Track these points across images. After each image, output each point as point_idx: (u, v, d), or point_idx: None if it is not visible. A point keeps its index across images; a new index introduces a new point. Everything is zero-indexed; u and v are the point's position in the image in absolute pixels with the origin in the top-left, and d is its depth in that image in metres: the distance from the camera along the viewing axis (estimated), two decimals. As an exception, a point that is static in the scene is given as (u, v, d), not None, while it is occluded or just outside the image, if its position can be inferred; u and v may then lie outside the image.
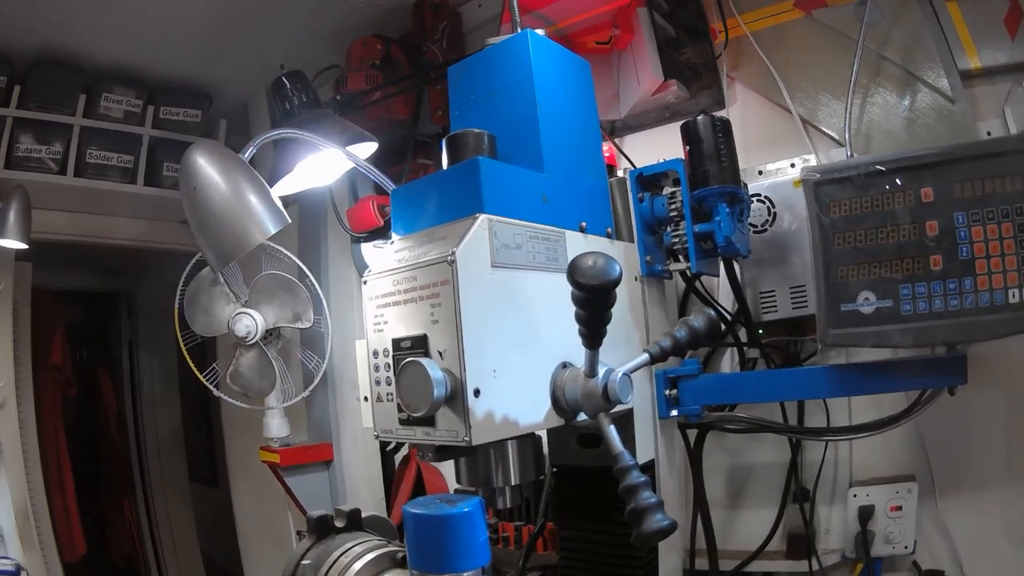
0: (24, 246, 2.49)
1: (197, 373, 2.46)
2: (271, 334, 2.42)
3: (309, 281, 2.40)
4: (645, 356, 1.08)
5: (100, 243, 3.12)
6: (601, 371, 1.03)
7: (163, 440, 4.91)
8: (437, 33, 2.26)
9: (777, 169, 1.79)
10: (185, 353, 2.46)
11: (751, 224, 1.67)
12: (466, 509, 0.92)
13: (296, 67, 1.96)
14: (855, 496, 1.69)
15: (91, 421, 4.85)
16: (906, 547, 1.66)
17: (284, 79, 1.86)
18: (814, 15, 1.78)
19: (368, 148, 1.80)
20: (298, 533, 2.54)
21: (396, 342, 1.03)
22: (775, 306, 1.72)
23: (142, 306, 5.02)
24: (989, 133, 1.61)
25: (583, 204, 1.26)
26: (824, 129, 1.78)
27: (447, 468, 2.41)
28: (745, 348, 1.71)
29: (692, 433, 1.68)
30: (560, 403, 1.07)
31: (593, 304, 0.90)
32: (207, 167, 1.28)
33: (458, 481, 1.13)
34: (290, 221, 1.30)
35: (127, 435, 4.89)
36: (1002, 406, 1.59)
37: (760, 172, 1.79)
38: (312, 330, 2.42)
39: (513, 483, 1.10)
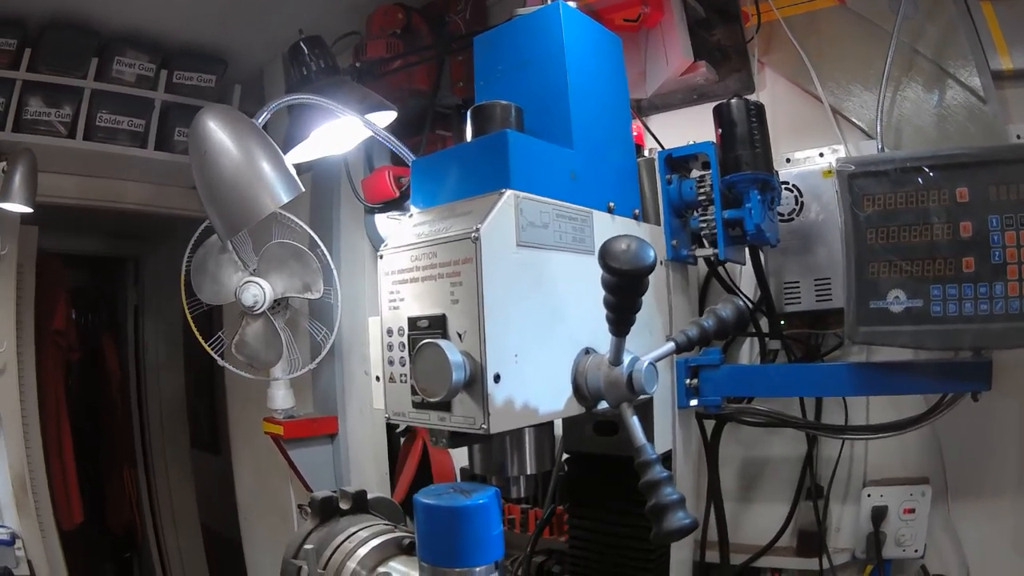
0: (29, 210, 2.45)
1: (202, 342, 2.43)
2: (279, 304, 2.38)
3: (320, 251, 2.36)
4: (671, 345, 1.04)
5: (108, 207, 3.08)
6: (626, 359, 0.98)
7: (165, 407, 4.87)
8: (460, 3, 2.22)
9: (805, 158, 1.74)
10: (191, 321, 2.42)
11: (778, 212, 1.62)
12: (481, 501, 0.88)
13: (315, 33, 1.91)
14: (869, 496, 1.66)
15: (93, 387, 4.82)
16: (916, 550, 1.63)
17: (302, 44, 1.81)
18: (848, 4, 1.73)
19: (387, 117, 1.75)
20: (299, 507, 2.50)
21: (412, 321, 0.98)
22: (799, 298, 1.68)
23: (148, 271, 4.98)
24: (1019, 136, 1.57)
25: (611, 183, 1.21)
26: (854, 120, 1.73)
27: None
28: (766, 339, 1.67)
29: (708, 424, 1.64)
30: (582, 391, 1.03)
31: (624, 290, 0.85)
32: (218, 131, 1.23)
33: (471, 467, 1.09)
34: (304, 190, 1.25)
35: (129, 402, 4.87)
36: (1020, 414, 1.55)
37: (788, 160, 1.74)
38: (321, 301, 2.38)
39: (528, 472, 1.06)
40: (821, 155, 1.73)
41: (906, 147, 1.64)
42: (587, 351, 1.05)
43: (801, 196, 1.67)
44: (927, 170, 1.19)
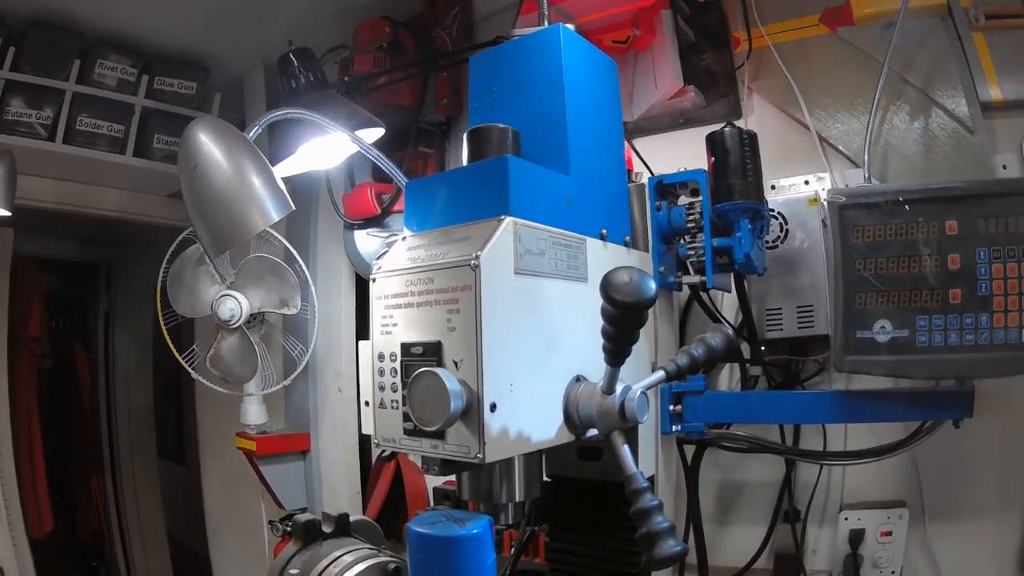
0: (7, 213, 2.40)
1: (177, 356, 2.40)
2: (255, 318, 2.35)
3: (299, 266, 2.33)
4: (661, 373, 1.04)
5: (83, 212, 3.02)
6: (618, 388, 0.98)
7: (134, 416, 4.80)
8: (448, 19, 2.21)
9: (790, 185, 1.76)
10: (165, 334, 2.39)
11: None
12: (476, 531, 0.87)
13: (299, 44, 1.89)
14: (846, 519, 1.67)
15: (64, 394, 4.73)
16: (893, 572, 1.64)
17: (292, 56, 1.79)
18: (839, 32, 1.75)
19: (375, 134, 1.74)
20: (271, 523, 2.48)
21: (406, 347, 0.97)
22: (781, 324, 1.69)
23: (121, 278, 4.91)
24: (1005, 167, 1.60)
25: (604, 210, 1.21)
26: (840, 148, 1.75)
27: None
28: (747, 365, 1.68)
29: (688, 449, 1.64)
30: (572, 419, 1.02)
31: (625, 322, 0.85)
32: (210, 145, 1.21)
33: (459, 493, 1.08)
34: (294, 208, 1.23)
35: (98, 409, 4.79)
36: (998, 438, 1.57)
37: (773, 187, 1.75)
38: (296, 316, 2.36)
39: (517, 500, 1.05)
40: (806, 183, 1.74)
41: (892, 176, 1.66)
42: (578, 379, 1.05)
43: (786, 223, 1.69)
44: (917, 203, 1.21)
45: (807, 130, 1.77)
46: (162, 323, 2.39)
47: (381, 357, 1.01)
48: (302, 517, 1.23)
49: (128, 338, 4.85)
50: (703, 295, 1.69)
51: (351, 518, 1.27)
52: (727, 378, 1.83)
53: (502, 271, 0.92)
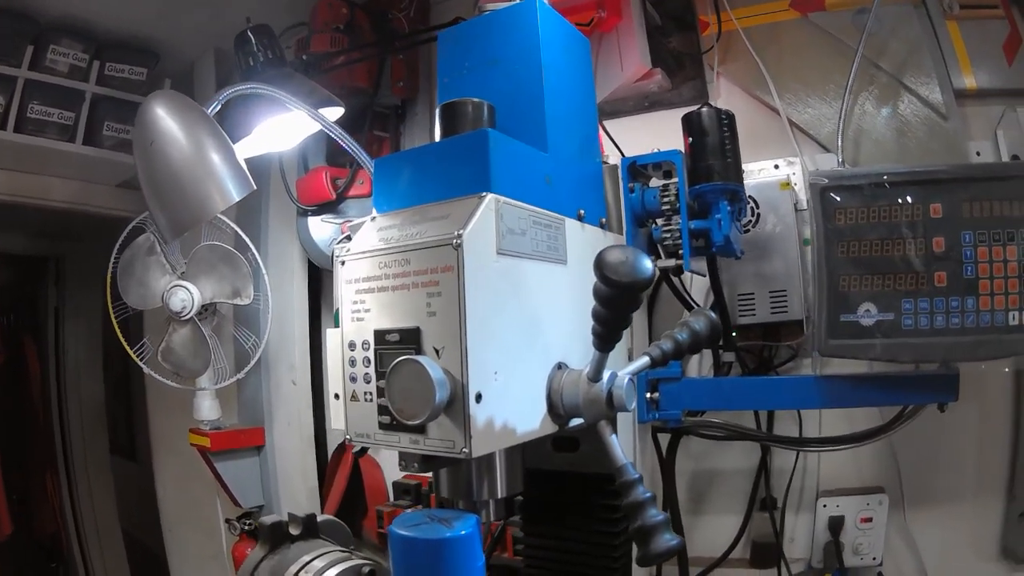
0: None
1: (129, 351, 2.29)
2: (206, 309, 2.26)
3: (251, 254, 2.25)
4: (646, 359, 0.99)
5: (32, 204, 2.89)
6: (604, 375, 0.93)
7: (86, 412, 4.64)
8: (404, 1, 2.14)
9: (760, 169, 1.74)
10: (116, 327, 2.28)
11: (739, 223, 1.61)
12: (464, 532, 0.81)
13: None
14: (824, 506, 1.67)
15: (14, 391, 4.58)
16: (874, 558, 1.65)
17: (249, 33, 1.70)
18: (810, 17, 1.73)
19: (334, 113, 1.66)
20: (227, 522, 2.40)
21: (380, 334, 0.90)
22: (753, 310, 1.67)
23: (70, 272, 4.73)
24: (979, 153, 1.61)
25: (581, 190, 1.16)
26: (811, 133, 1.73)
27: (386, 459, 2.30)
28: (720, 351, 1.65)
29: (663, 437, 1.61)
30: (557, 408, 0.96)
31: (620, 304, 0.79)
32: (167, 119, 1.12)
33: (437, 491, 1.02)
34: (255, 187, 1.16)
35: (50, 406, 4.63)
36: (975, 420, 1.58)
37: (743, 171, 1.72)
38: (248, 307, 2.27)
39: (499, 496, 1.00)
40: (776, 167, 1.73)
41: (864, 161, 1.65)
42: (560, 366, 1.00)
43: (758, 208, 1.67)
44: (901, 185, 1.20)
45: (776, 114, 1.76)
46: (112, 316, 2.28)
47: (352, 346, 0.95)
48: (268, 519, 1.17)
49: (79, 333, 4.69)
50: (675, 279, 1.65)
51: (318, 518, 1.21)
52: (696, 365, 1.80)
53: (485, 251, 0.86)
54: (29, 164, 2.70)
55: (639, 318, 1.41)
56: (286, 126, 1.54)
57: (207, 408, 2.35)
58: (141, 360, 2.32)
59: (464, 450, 0.81)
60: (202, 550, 2.79)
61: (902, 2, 1.65)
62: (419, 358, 0.81)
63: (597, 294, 0.79)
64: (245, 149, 1.59)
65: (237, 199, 1.13)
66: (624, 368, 0.96)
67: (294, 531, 1.14)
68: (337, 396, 1.00)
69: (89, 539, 4.43)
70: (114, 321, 2.28)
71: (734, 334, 1.66)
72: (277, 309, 2.34)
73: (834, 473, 1.70)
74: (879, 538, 1.63)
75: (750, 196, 1.65)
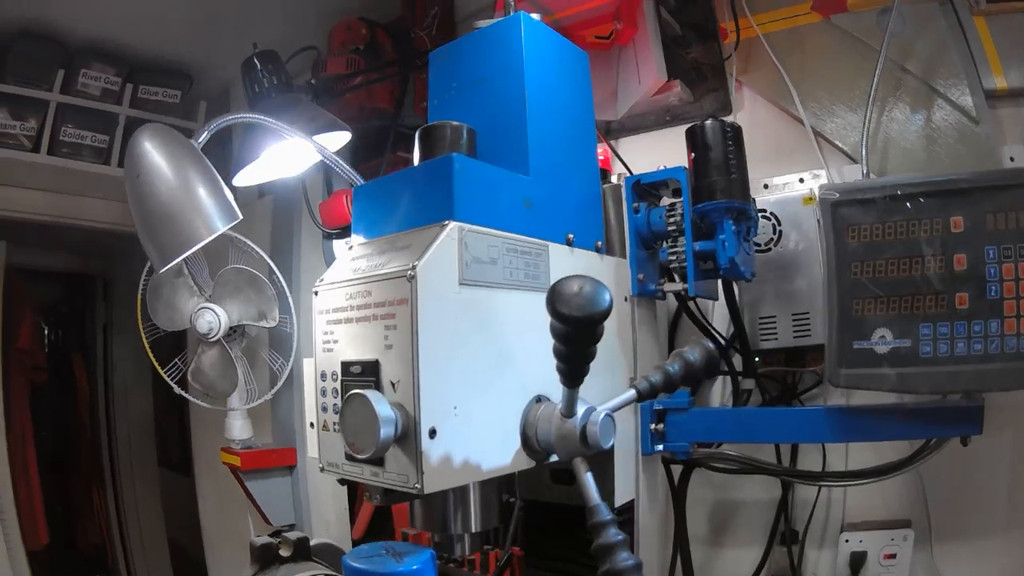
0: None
1: (159, 369, 2.33)
2: (235, 331, 2.27)
3: (276, 277, 2.25)
4: (632, 393, 0.94)
5: (75, 224, 2.97)
6: (580, 409, 0.88)
7: (134, 427, 4.74)
8: (427, 19, 2.13)
9: (784, 184, 1.66)
10: (147, 346, 2.32)
11: (755, 243, 1.53)
12: (414, 567, 0.78)
13: (284, 49, 1.82)
14: (847, 541, 1.57)
15: (63, 405, 4.69)
16: (896, 594, 1.54)
17: (255, 59, 1.70)
18: (833, 20, 1.65)
19: (340, 138, 1.65)
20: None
21: (345, 366, 0.88)
22: (775, 333, 1.59)
23: (118, 289, 4.85)
24: (1012, 159, 1.49)
25: (572, 213, 1.11)
26: (837, 143, 1.65)
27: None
28: (739, 378, 1.58)
29: (675, 468, 1.54)
30: (531, 443, 0.93)
31: (576, 339, 0.75)
32: (153, 153, 1.12)
33: (412, 523, 0.99)
34: (241, 217, 1.14)
35: (98, 421, 4.74)
36: (1007, 453, 1.47)
37: (766, 186, 1.65)
38: (279, 330, 2.28)
39: (474, 530, 0.96)
40: (801, 180, 1.64)
41: (892, 171, 1.56)
42: (539, 399, 0.95)
43: (779, 225, 1.59)
44: (918, 197, 1.11)
45: (801, 124, 1.67)
46: (143, 335, 2.33)
47: (323, 376, 0.93)
48: (258, 540, 1.16)
49: (127, 349, 4.79)
50: (690, 304, 1.59)
51: (312, 541, 1.19)
52: (720, 392, 1.73)
53: (443, 282, 0.83)
54: (68, 186, 2.77)
55: (652, 345, 1.35)
56: (291, 152, 1.53)
57: (238, 428, 2.37)
58: (175, 379, 2.34)
59: (416, 485, 0.78)
60: (235, 562, 2.81)
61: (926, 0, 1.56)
62: (367, 392, 0.79)
63: (552, 330, 0.75)
64: (254, 175, 1.59)
65: (223, 229, 1.11)
66: (607, 403, 0.92)
67: (284, 553, 1.13)
68: (312, 425, 0.98)
69: (134, 550, 4.52)
70: (144, 341, 2.32)
71: (756, 359, 1.59)
72: (308, 331, 2.33)
73: (860, 504, 1.60)
74: (903, 574, 1.53)
75: (771, 212, 1.58)
